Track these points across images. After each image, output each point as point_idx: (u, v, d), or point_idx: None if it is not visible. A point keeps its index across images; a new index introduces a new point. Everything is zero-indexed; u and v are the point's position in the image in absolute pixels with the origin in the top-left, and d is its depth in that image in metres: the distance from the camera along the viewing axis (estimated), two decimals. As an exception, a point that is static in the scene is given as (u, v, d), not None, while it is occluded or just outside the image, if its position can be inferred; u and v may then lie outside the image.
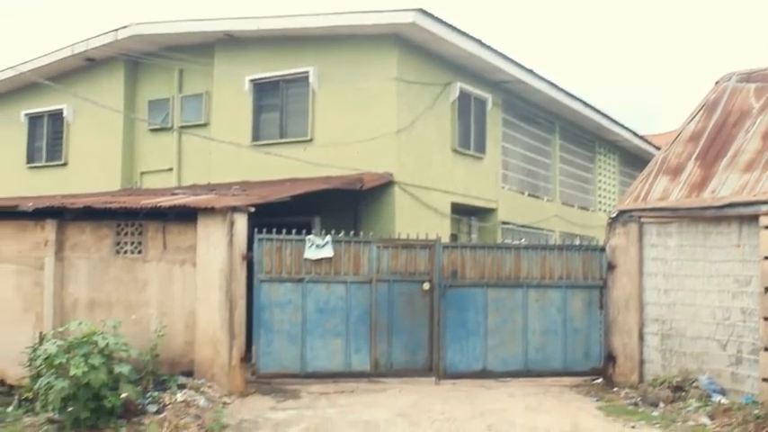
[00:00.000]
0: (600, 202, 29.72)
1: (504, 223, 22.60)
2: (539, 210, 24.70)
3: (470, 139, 21.06)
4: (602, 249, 15.21)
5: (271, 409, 12.60)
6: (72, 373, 11.10)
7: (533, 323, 15.01)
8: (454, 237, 20.50)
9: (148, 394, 12.54)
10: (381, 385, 14.21)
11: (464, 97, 20.58)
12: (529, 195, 24.62)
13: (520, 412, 12.33)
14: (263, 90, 20.14)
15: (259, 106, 20.18)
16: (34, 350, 12.78)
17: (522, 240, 18.17)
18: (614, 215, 15.09)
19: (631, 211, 14.78)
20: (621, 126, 28.87)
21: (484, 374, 14.81)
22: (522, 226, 23.36)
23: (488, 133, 21.85)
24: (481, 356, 14.84)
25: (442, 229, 17.97)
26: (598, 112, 26.79)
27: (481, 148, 21.54)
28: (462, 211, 21.28)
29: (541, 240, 16.34)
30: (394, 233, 16.08)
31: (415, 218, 18.09)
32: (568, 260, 15.19)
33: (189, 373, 13.35)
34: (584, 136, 28.48)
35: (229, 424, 11.93)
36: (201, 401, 12.46)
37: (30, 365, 12.83)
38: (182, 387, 12.84)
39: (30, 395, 12.55)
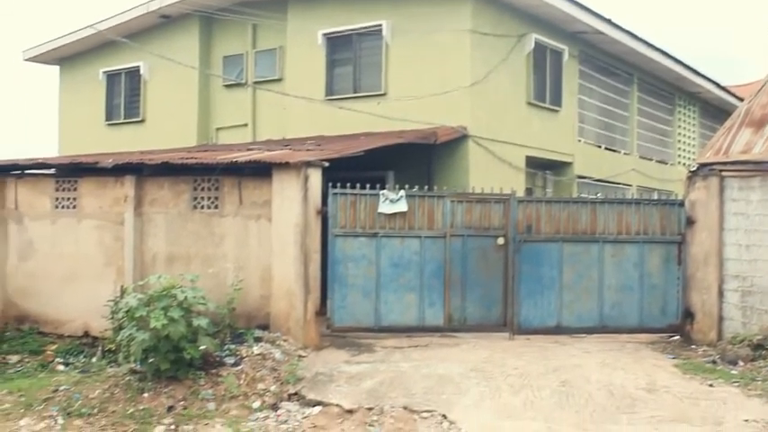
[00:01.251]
0: (679, 156, 29.04)
1: (579, 177, 22.26)
2: (615, 163, 24.24)
3: (546, 91, 20.72)
4: (681, 204, 14.89)
5: (345, 363, 12.73)
6: (152, 325, 11.38)
7: (609, 279, 14.83)
8: (529, 191, 20.28)
9: (226, 347, 12.80)
10: (455, 340, 14.23)
11: (539, 49, 20.22)
12: (605, 149, 24.17)
13: (595, 368, 12.23)
14: (336, 44, 20.07)
15: (332, 60, 20.13)
16: (116, 303, 13.15)
17: (599, 194, 17.86)
18: (694, 169, 14.73)
19: (712, 164, 14.41)
20: (703, 77, 28.04)
21: (558, 330, 14.73)
22: (599, 180, 22.97)
23: (564, 86, 21.46)
24: (556, 312, 14.74)
25: (516, 184, 17.78)
26: (679, 62, 26.06)
27: (557, 100, 21.19)
28: (537, 165, 21.02)
29: (618, 195, 16.07)
30: (468, 187, 15.96)
31: (490, 172, 17.93)
32: (646, 215, 14.92)
33: (265, 327, 13.56)
34: (664, 87, 27.77)
35: (304, 377, 12.11)
36: (277, 354, 12.66)
37: (112, 318, 13.21)
38: (258, 340, 13.06)
39: (112, 347, 12.93)
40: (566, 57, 21.32)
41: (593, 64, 23.34)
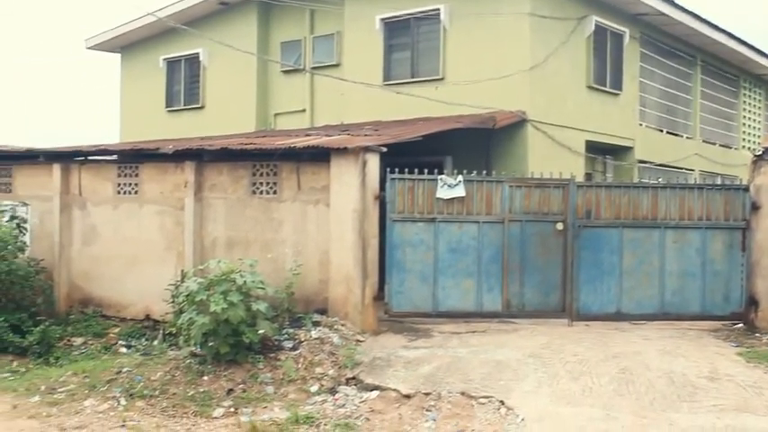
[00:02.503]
0: (744, 140, 28.41)
1: (640, 162, 21.92)
2: (677, 148, 23.81)
3: (606, 74, 20.42)
4: (746, 189, 14.58)
5: (403, 348, 12.75)
6: (212, 309, 11.53)
7: (670, 265, 14.60)
8: (588, 176, 20.04)
9: (284, 331, 12.90)
10: (513, 326, 14.16)
11: (600, 31, 19.93)
12: (667, 133, 23.77)
13: (655, 356, 12.06)
14: (394, 29, 20.03)
15: (390, 45, 20.10)
16: (176, 287, 13.37)
17: (660, 179, 17.59)
18: (759, 153, 14.40)
19: (778, 148, 14.07)
20: (770, 58, 27.36)
21: (618, 317, 14.55)
22: (660, 165, 22.59)
23: (625, 69, 21.12)
24: (615, 298, 14.57)
25: (575, 168, 17.58)
26: (744, 43, 25.45)
27: (617, 84, 20.87)
28: (597, 150, 20.75)
29: (680, 180, 15.80)
30: (526, 172, 15.83)
31: (548, 157, 17.76)
32: (709, 200, 14.64)
33: (323, 311, 13.64)
34: (728, 70, 27.17)
35: (362, 361, 12.15)
36: (335, 339, 12.73)
37: (172, 302, 13.44)
38: (316, 324, 13.14)
39: (173, 330, 13.15)
40: (627, 39, 20.98)
41: (654, 46, 22.94)
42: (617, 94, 20.85)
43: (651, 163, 22.37)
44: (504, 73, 17.65)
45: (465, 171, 14.47)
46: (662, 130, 23.52)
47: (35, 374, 12.95)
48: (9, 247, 14.86)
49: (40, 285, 15.56)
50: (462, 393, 10.84)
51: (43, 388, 12.15)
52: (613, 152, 21.60)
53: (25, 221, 16.14)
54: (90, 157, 16.71)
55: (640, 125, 22.23)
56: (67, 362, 13.51)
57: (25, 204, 16.54)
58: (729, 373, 11.27)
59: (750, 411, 10.05)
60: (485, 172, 14.86)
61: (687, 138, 24.77)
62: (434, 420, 10.35)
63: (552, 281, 14.54)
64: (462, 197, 14.28)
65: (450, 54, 18.90)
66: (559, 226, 14.48)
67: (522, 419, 9.95)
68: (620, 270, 14.55)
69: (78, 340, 14.71)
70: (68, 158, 16.54)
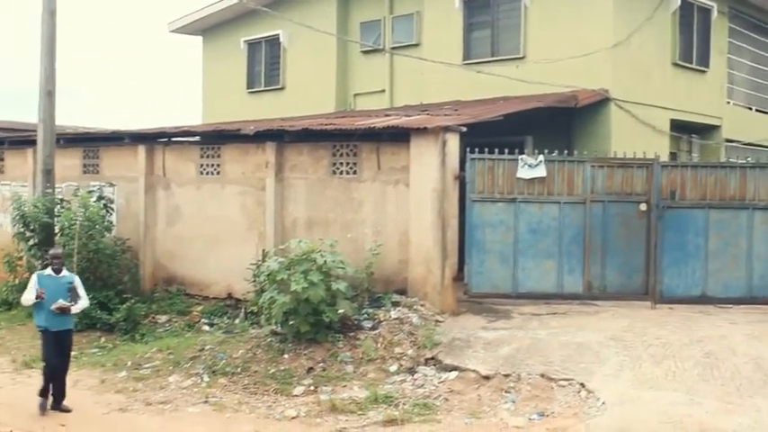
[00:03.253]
0: (838, 117, 27.36)
1: (728, 141, 21.30)
2: (767, 126, 23.07)
3: (692, 51, 19.88)
4: (842, 168, 14.06)
5: (482, 329, 12.70)
6: (293, 288, 11.66)
7: (759, 247, 14.19)
8: (673, 156, 19.57)
9: (364, 311, 12.98)
10: (594, 308, 13.97)
11: (686, 7, 19.39)
12: (756, 110, 23.04)
13: (741, 340, 11.74)
14: (474, 7, 19.83)
15: (470, 24, 19.91)
16: (258, 267, 13.55)
17: (749, 159, 17.07)
18: None
19: None
20: None
21: (702, 300, 14.21)
22: (749, 144, 21.91)
23: (712, 44, 20.52)
24: (700, 281, 14.24)
25: (660, 148, 17.16)
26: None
27: (704, 60, 20.30)
28: (682, 129, 20.23)
29: (770, 159, 15.36)
30: (609, 152, 15.53)
31: (632, 136, 17.38)
32: (800, 180, 14.17)
33: (402, 292, 13.66)
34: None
35: (441, 342, 12.15)
36: (414, 319, 12.74)
37: (254, 281, 13.64)
38: (395, 304, 13.18)
39: (254, 309, 13.36)
40: (714, 14, 20.38)
41: (743, 21, 22.22)
42: (704, 71, 20.29)
43: (739, 142, 21.72)
44: (586, 51, 17.31)
45: (546, 151, 14.28)
46: (751, 108, 22.82)
47: (122, 350, 13.32)
48: (97, 226, 15.26)
49: (126, 264, 15.95)
50: (542, 375, 10.77)
51: (129, 363, 12.49)
52: (699, 131, 21.04)
53: (112, 202, 16.55)
54: (173, 139, 17.02)
55: (728, 103, 21.61)
56: (152, 339, 13.84)
57: (112, 185, 16.95)
58: (820, 360, 10.92)
59: (842, 399, 9.74)
60: (566, 152, 14.64)
61: (777, 116, 23.98)
62: (514, 402, 10.31)
63: (635, 263, 14.28)
64: (543, 177, 14.11)
65: (532, 32, 18.64)
66: (643, 207, 14.19)
67: (603, 403, 9.84)
68: (705, 252, 14.21)
69: (163, 318, 15.05)
70: (153, 140, 16.88)
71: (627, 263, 14.28)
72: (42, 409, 10.25)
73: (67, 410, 10.30)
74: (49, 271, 10.59)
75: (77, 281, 10.82)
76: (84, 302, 10.86)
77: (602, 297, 14.29)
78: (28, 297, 10.46)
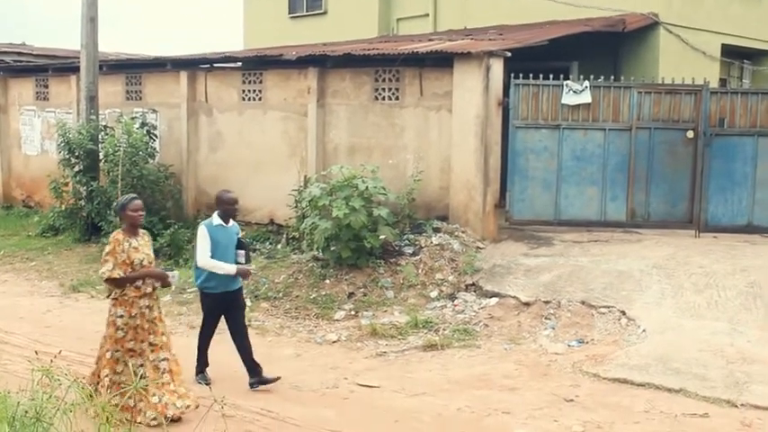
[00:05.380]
0: None
1: (781, 67, 20.74)
2: (822, 52, 22.38)
3: (747, -27, 19.25)
4: None
5: (523, 255, 12.67)
6: (334, 214, 11.70)
7: (808, 176, 13.89)
8: (723, 82, 19.09)
9: (405, 237, 13.00)
10: (636, 236, 13.83)
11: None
12: (812, 35, 22.32)
13: (787, 270, 11.57)
14: (521, -71, 19.32)
15: (516, -54, 19.42)
16: (299, 193, 13.59)
17: (802, 86, 16.64)
18: None
19: None
20: None
21: (748, 229, 14.00)
22: (803, 70, 21.32)
23: (768, -33, 19.85)
24: (747, 210, 14.01)
25: (710, 74, 16.75)
26: None
27: (759, -17, 19.66)
28: (734, 54, 19.69)
29: (824, 85, 14.92)
30: (657, 78, 15.19)
31: (681, 62, 16.96)
32: None
33: (443, 218, 13.63)
34: None
35: (482, 268, 12.16)
36: (455, 245, 12.74)
37: (295, 207, 13.70)
38: (436, 231, 13.17)
39: (296, 234, 13.45)
40: (771, -66, 19.65)
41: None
42: (758, -5, 19.66)
43: (793, 68, 21.13)
44: (635, -27, 16.83)
45: (591, 77, 14.00)
46: (806, 33, 22.12)
47: (166, 275, 13.49)
48: (140, 152, 15.38)
49: (169, 190, 16.12)
50: (582, 303, 10.75)
51: (173, 288, 12.65)
52: (752, 56, 20.47)
53: (155, 128, 16.64)
54: (215, 65, 16.98)
55: (783, 27, 20.95)
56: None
57: (154, 111, 17.02)
58: None
59: None
60: (612, 78, 14.34)
61: (833, 41, 23.24)
62: (553, 329, 10.33)
63: (680, 191, 14.07)
64: (588, 104, 13.88)
65: (579, -47, 18.13)
66: (690, 134, 13.92)
67: (644, 331, 9.82)
68: (753, 181, 13.95)
69: (206, 243, 15.17)
70: (195, 66, 16.85)
71: (672, 191, 14.08)
72: (204, 381, 8.39)
73: (274, 380, 8.43)
74: (217, 220, 8.46)
75: (239, 228, 8.93)
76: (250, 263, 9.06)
77: (645, 225, 14.14)
78: (204, 257, 8.28)
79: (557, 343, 9.92)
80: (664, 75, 15.00)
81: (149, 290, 7.50)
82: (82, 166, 15.97)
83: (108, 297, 7.51)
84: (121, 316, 7.37)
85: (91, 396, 5.57)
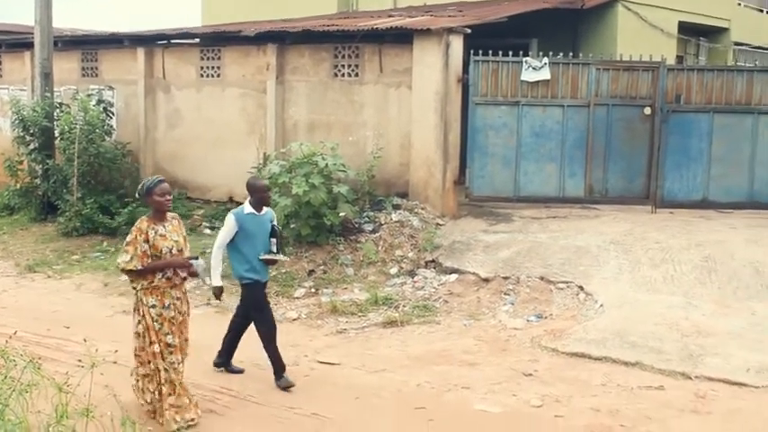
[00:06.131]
0: None
1: (736, 44, 20.98)
2: (777, 29, 22.68)
3: (703, -51, 19.40)
4: None
5: (482, 232, 12.74)
6: (294, 191, 11.66)
7: (762, 153, 14.07)
8: (680, 59, 19.30)
9: (365, 214, 13.01)
10: (594, 212, 13.96)
11: None
12: (767, 12, 22.61)
13: (740, 245, 11.75)
14: None
15: None
16: (259, 170, 13.48)
17: (757, 62, 16.81)
18: None
19: None
20: None
21: (704, 204, 14.19)
22: (758, 47, 21.59)
23: (724, -56, 20.03)
24: (702, 186, 14.18)
25: (667, 51, 16.90)
26: None
27: (715, -40, 19.83)
28: (690, 31, 19.90)
29: (778, 63, 15.10)
30: (615, 55, 15.30)
31: (638, 39, 17.09)
32: (808, 84, 13.98)
33: (403, 195, 13.65)
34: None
35: (442, 244, 12.21)
36: (415, 222, 12.78)
37: (255, 184, 13.54)
38: (396, 208, 13.19)
39: (256, 212, 13.31)
40: None
41: None
42: (714, -28, 19.84)
43: (748, 45, 21.40)
44: (594, -50, 16.90)
45: (550, 53, 14.06)
46: (762, 10, 22.41)
47: (124, 254, 13.37)
48: (97, 130, 15.16)
49: (126, 168, 15.93)
50: (541, 278, 10.86)
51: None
52: (708, 34, 20.71)
53: (111, 105, 16.41)
54: (173, 41, 16.78)
55: (738, 5, 21.21)
56: (155, 242, 13.89)
57: (111, 88, 16.77)
58: (819, 265, 10.96)
59: (838, 301, 9.82)
60: (571, 55, 14.41)
61: (788, 18, 23.57)
62: (512, 304, 10.42)
63: (637, 167, 14.21)
64: (547, 80, 13.93)
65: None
66: (647, 111, 14.04)
67: (601, 305, 9.94)
68: (708, 157, 14.11)
69: (165, 221, 15.06)
70: (152, 42, 16.63)
71: (629, 167, 14.21)
72: (233, 369, 8.22)
73: (291, 385, 7.82)
74: (249, 208, 7.96)
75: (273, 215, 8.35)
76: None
77: (603, 201, 14.27)
78: (217, 247, 7.95)
79: (516, 318, 10.02)
80: (622, 52, 15.10)
81: (179, 281, 6.87)
82: (37, 144, 15.72)
83: (134, 288, 6.86)
84: (154, 306, 6.72)
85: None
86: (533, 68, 13.89)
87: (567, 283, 10.66)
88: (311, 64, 14.63)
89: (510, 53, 13.92)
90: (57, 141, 15.54)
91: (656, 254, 11.33)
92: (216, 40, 15.89)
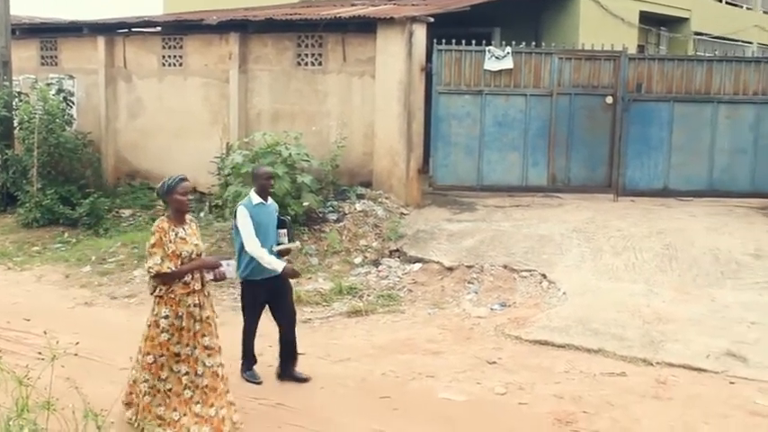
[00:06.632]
0: (807, 11, 27.26)
1: (696, 34, 21.19)
2: (737, 19, 22.95)
3: (664, -59, 19.56)
4: (806, 62, 14.04)
5: (446, 221, 12.78)
6: (258, 181, 11.56)
7: (722, 141, 14.25)
8: (641, 48, 19.45)
9: (329, 203, 12.99)
10: (557, 200, 14.07)
11: None
12: (726, 3, 22.87)
13: (700, 232, 11.93)
14: None
15: None
16: (222, 160, 13.44)
17: (716, 52, 16.98)
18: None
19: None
20: None
21: (664, 193, 14.35)
22: (717, 37, 21.83)
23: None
24: (663, 174, 14.33)
25: (628, 41, 17.00)
26: None
27: (675, -49, 19.99)
28: (651, 21, 20.07)
29: (737, 53, 15.22)
30: (577, 45, 15.38)
31: (600, 28, 17.20)
32: (766, 74, 14.15)
33: (367, 184, 13.65)
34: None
35: (406, 234, 12.24)
36: (379, 211, 12.79)
37: (218, 174, 13.53)
38: (360, 197, 13.19)
39: (219, 202, 13.28)
40: None
41: None
42: (675, -39, 20.00)
43: (708, 35, 21.63)
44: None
45: (513, 43, 14.10)
46: (721, 0, 22.63)
47: (85, 245, 13.27)
48: (57, 120, 14.97)
49: (87, 158, 15.75)
50: (505, 267, 10.92)
51: (93, 258, 12.46)
52: (668, 23, 20.90)
53: (72, 95, 16.21)
54: (134, 30, 16.60)
55: (698, -5, 21.41)
56: (116, 233, 13.78)
57: (71, 77, 16.56)
58: (776, 251, 11.15)
59: (794, 288, 9.99)
60: (534, 44, 14.47)
61: (747, 8, 23.86)
62: (476, 293, 10.47)
63: (599, 156, 14.32)
64: (510, 69, 13.97)
65: None
66: (609, 100, 14.15)
67: (564, 293, 10.02)
68: (669, 146, 14.25)
69: (126, 212, 14.96)
70: (112, 31, 16.45)
71: (591, 156, 14.32)
72: (255, 380, 7.78)
73: (306, 379, 7.77)
74: (256, 199, 7.65)
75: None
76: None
77: (565, 190, 14.37)
78: (254, 243, 7.41)
79: (480, 307, 10.07)
80: (584, 41, 15.18)
81: (198, 286, 6.39)
82: (-5, 134, 15.53)
83: (152, 294, 6.38)
84: (166, 316, 6.25)
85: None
86: (496, 58, 13.93)
87: (530, 271, 10.73)
88: (274, 53, 14.55)
89: (473, 42, 13.95)
90: (16, 131, 15.33)
91: (617, 242, 11.45)
92: (178, 29, 15.76)
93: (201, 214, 14.18)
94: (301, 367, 7.95)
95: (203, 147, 14.75)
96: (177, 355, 6.30)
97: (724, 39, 22.03)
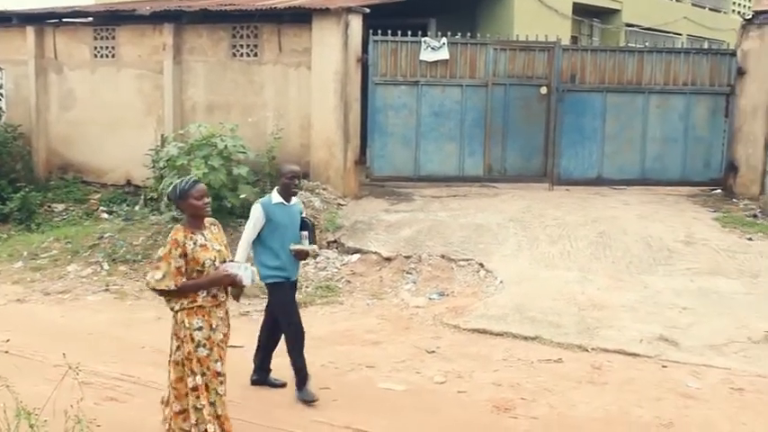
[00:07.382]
0: (735, 3, 27.88)
1: (628, 25, 21.56)
2: (666, 11, 23.38)
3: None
4: (733, 54, 14.39)
5: (384, 211, 12.81)
6: (193, 174, 11.44)
7: (653, 131, 14.54)
8: (574, 39, 19.73)
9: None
10: (494, 190, 14.20)
11: None
12: (657, -5, 23.27)
13: (633, 220, 12.17)
14: None
15: None
16: (157, 152, 13.27)
17: (647, 43, 17.28)
18: (749, 17, 14.15)
19: (768, 11, 13.80)
20: None
21: (598, 182, 14.58)
22: (648, 28, 22.23)
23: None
24: (597, 163, 14.56)
25: (562, 32, 17.24)
26: None
27: (607, -57, 20.29)
28: (584, 13, 20.36)
29: (667, 44, 15.51)
30: (512, 36, 15.53)
31: (535, 19, 17.39)
32: (695, 65, 14.47)
33: (304, 176, 13.51)
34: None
35: (344, 225, 12.23)
36: (317, 203, 12.74)
37: (153, 167, 13.36)
38: (297, 188, 13.10)
39: (154, 195, 13.12)
40: None
41: None
42: (606, -45, 20.30)
43: (639, 27, 22.01)
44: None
45: (449, 33, 14.17)
46: (651, -7, 23.03)
47: (17, 240, 13.00)
48: (-16, 112, 14.65)
49: (18, 151, 15.44)
50: (442, 256, 10.99)
51: (26, 254, 12.22)
52: (601, 15, 21.23)
53: (0, 86, 15.84)
54: (64, 20, 16.27)
55: (629, -13, 21.75)
56: (49, 228, 13.52)
57: None
58: (705, 238, 11.43)
59: (722, 274, 10.27)
60: (469, 35, 14.56)
61: (677, 1, 24.31)
62: (415, 283, 10.52)
63: (534, 145, 14.48)
64: (446, 60, 14.04)
65: None
66: (543, 90, 14.32)
67: (501, 282, 10.13)
68: (602, 135, 14.49)
69: (59, 206, 14.68)
70: (42, 21, 16.09)
71: (527, 146, 14.48)
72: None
73: (314, 399, 7.12)
74: (277, 198, 7.26)
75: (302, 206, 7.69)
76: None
77: (501, 179, 14.51)
78: (244, 242, 7.39)
79: (418, 296, 10.13)
80: (518, 32, 15.35)
81: (224, 297, 5.76)
82: None
83: (174, 310, 5.56)
84: (200, 328, 5.52)
85: None
86: (432, 48, 13.98)
87: (467, 260, 10.82)
88: (209, 44, 14.41)
89: (409, 33, 13.98)
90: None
91: (553, 230, 11.61)
92: (110, 19, 15.48)
93: (137, 207, 14.00)
94: (240, 360, 7.90)
95: (138, 139, 14.55)
96: (219, 374, 5.59)
97: (655, 30, 22.44)
